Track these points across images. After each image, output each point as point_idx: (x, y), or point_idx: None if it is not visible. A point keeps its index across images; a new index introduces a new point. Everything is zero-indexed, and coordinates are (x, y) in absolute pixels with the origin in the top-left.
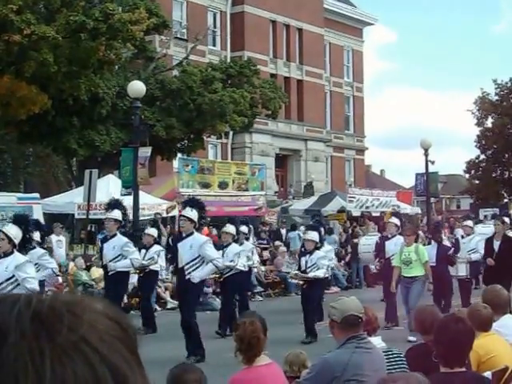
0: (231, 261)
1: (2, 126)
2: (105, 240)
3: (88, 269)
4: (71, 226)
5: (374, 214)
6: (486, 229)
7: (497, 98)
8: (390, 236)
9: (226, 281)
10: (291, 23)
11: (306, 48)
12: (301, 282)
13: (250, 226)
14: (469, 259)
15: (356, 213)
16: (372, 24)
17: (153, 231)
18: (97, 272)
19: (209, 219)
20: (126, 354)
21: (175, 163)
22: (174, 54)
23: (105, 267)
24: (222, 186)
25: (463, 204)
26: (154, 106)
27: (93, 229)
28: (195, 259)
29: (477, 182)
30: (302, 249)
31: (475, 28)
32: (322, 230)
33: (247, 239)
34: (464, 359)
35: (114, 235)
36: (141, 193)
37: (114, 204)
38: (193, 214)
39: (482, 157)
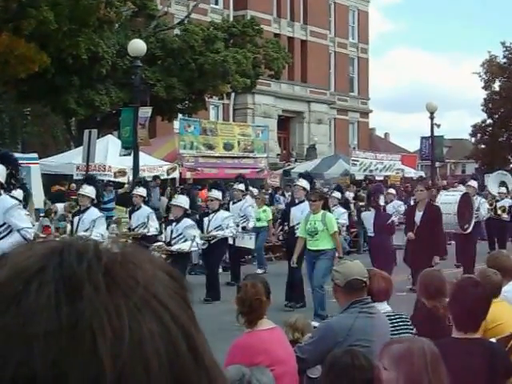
0: (86, 229)
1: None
2: None
3: None
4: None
5: (377, 178)
6: (450, 197)
7: (505, 60)
8: (296, 201)
9: None
10: None
11: (310, 7)
12: (163, 256)
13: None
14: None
15: (359, 176)
16: None
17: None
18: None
19: (211, 181)
20: (190, 312)
21: (176, 124)
22: (176, 13)
23: None
24: (227, 147)
25: (468, 169)
26: (155, 66)
27: None
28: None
29: (483, 146)
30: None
31: None
32: (220, 193)
33: (146, 202)
34: (479, 325)
35: None
36: (141, 154)
37: None
38: None
39: (489, 121)
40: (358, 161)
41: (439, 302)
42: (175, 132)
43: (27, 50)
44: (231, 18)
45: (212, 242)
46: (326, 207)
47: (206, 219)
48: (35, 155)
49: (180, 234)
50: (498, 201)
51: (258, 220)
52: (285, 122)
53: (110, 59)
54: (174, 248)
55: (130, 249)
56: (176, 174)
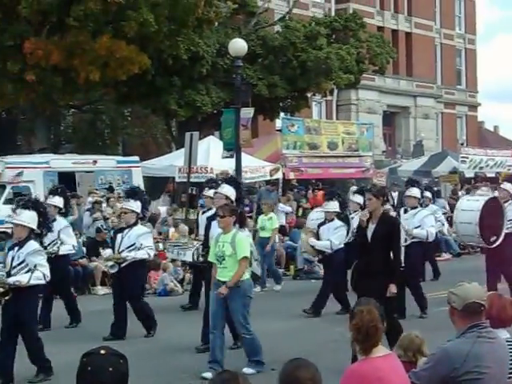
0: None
1: (100, 87)
2: None
3: (190, 234)
4: (171, 190)
5: (488, 175)
6: (472, 203)
7: None
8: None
9: None
10: None
11: None
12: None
13: None
14: (405, 237)
15: (469, 174)
16: None
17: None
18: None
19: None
20: None
21: (277, 123)
22: (276, 8)
23: None
24: (331, 146)
25: None
26: (256, 64)
27: (194, 192)
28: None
29: None
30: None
31: None
32: (138, 204)
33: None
34: None
35: None
36: (243, 155)
37: None
38: None
39: None
40: (467, 157)
41: None
42: (277, 131)
43: (128, 53)
44: (333, 12)
45: (122, 265)
46: (242, 225)
47: (119, 236)
48: (137, 158)
49: (22, 262)
50: None
51: (263, 229)
52: (390, 118)
53: (210, 58)
54: (11, 280)
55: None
56: (279, 175)
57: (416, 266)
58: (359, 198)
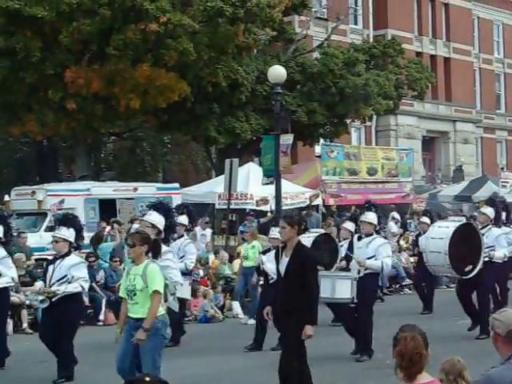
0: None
1: (140, 115)
2: None
3: (230, 261)
4: (211, 216)
5: None
6: (442, 230)
7: None
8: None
9: None
10: None
11: (452, 24)
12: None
13: None
14: (358, 269)
15: (510, 198)
16: None
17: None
18: (239, 265)
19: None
20: None
21: (317, 148)
22: (314, 35)
23: None
24: (371, 172)
25: None
26: (295, 91)
27: (234, 218)
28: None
29: None
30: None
31: None
32: (71, 232)
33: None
34: None
35: None
36: (282, 181)
37: None
38: None
39: None
40: (507, 182)
41: None
42: (316, 157)
43: (167, 80)
44: (371, 38)
45: (54, 299)
46: (156, 255)
47: (50, 267)
48: (176, 185)
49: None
50: None
51: (246, 258)
52: (429, 143)
53: (250, 85)
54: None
55: None
56: (319, 201)
57: (369, 301)
58: (350, 225)
